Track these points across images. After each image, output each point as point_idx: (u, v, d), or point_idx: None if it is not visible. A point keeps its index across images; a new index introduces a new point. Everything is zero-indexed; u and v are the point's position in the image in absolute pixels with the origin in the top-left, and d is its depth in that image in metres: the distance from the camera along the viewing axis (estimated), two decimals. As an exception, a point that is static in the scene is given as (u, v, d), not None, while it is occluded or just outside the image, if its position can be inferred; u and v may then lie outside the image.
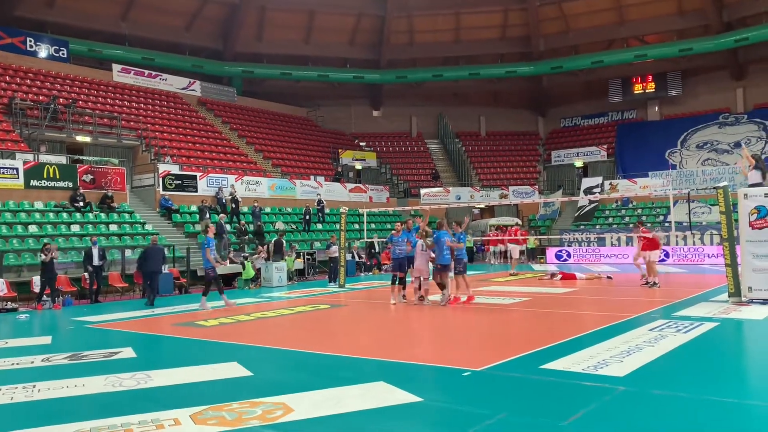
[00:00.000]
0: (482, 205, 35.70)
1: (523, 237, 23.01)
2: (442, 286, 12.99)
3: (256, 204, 25.39)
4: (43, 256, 15.03)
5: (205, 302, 13.74)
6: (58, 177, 20.90)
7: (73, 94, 27.77)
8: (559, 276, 18.81)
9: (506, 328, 10.34)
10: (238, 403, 5.76)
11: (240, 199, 25.29)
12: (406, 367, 7.32)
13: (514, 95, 44.36)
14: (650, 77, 39.66)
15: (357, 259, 24.58)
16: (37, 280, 16.24)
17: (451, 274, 13.11)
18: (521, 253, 24.65)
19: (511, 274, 21.36)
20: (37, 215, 19.58)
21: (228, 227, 22.96)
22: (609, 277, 18.50)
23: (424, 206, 27.20)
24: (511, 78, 42.13)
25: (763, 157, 18.09)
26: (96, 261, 16.39)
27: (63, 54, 30.77)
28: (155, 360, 8.33)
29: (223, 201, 25.06)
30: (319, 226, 27.94)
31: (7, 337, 10.74)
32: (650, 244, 15.96)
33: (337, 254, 19.61)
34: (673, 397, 5.65)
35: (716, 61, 37.46)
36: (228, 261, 20.83)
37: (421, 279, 13.33)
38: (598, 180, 35.07)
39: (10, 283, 15.88)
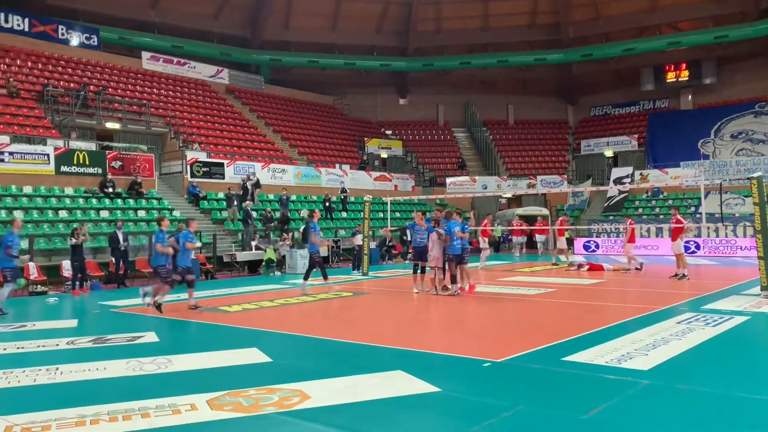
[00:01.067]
0: (509, 195, 35.35)
1: (563, 227, 22.23)
2: (453, 277, 12.91)
3: (284, 192, 25.47)
4: (74, 240, 15.25)
5: (306, 285, 14.08)
6: (87, 163, 21.20)
7: (103, 82, 28.12)
8: (586, 267, 18.53)
9: (529, 319, 10.19)
10: (255, 389, 5.76)
11: (249, 187, 24.92)
12: (425, 357, 7.25)
13: (543, 83, 43.72)
14: (684, 65, 38.71)
15: (388, 243, 24.45)
16: (66, 264, 16.54)
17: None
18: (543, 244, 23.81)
19: (568, 265, 20.00)
20: (67, 201, 19.91)
21: (254, 214, 23.09)
22: (638, 268, 18.16)
23: (449, 195, 27.01)
24: (540, 66, 41.54)
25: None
26: (121, 246, 16.59)
27: (93, 42, 31.14)
28: (177, 345, 8.39)
29: (248, 188, 25.17)
30: (343, 215, 27.95)
31: (35, 319, 10.95)
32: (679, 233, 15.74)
33: (361, 242, 19.61)
34: (698, 393, 5.51)
35: (753, 48, 36.39)
36: (254, 247, 21.01)
37: (436, 269, 13.15)
38: (629, 170, 34.43)
39: (40, 267, 16.17)
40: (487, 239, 21.47)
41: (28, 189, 19.55)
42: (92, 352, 7.72)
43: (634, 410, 5.07)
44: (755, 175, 12.40)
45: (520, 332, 8.92)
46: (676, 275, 15.50)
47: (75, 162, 20.89)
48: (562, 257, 20.93)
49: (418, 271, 13.56)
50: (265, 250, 20.09)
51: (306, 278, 14.31)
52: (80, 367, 6.82)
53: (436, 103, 43.27)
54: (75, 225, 17.27)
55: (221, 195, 24.40)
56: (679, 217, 16.40)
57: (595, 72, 42.17)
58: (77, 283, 15.35)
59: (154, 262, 11.98)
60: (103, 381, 6.31)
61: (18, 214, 17.93)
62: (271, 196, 25.99)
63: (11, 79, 24.27)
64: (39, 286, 15.34)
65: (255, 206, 23.91)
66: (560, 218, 26.07)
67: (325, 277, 14.55)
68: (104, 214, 20.00)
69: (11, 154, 19.44)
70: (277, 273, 19.97)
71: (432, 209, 20.01)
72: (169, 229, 18.44)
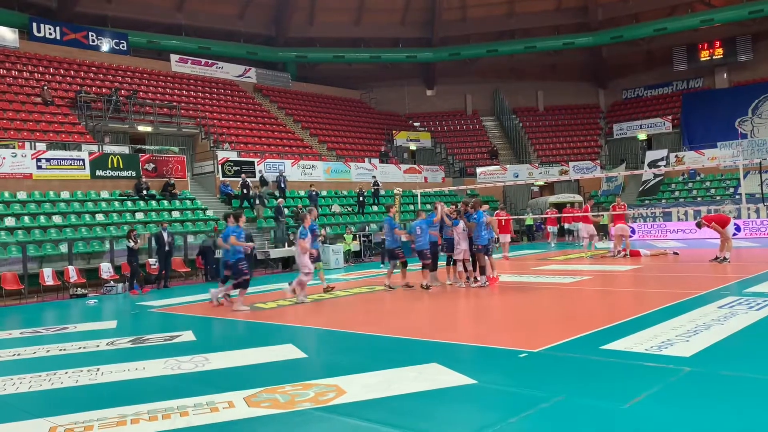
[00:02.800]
0: (541, 183, 34.97)
1: (585, 213, 21.77)
2: (482, 269, 12.78)
3: (311, 187, 25.59)
4: (131, 243, 15.55)
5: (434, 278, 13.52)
6: (121, 167, 21.59)
7: (133, 86, 28.60)
8: (623, 253, 18.22)
9: (565, 307, 10.04)
10: (291, 385, 5.77)
11: (269, 182, 25.22)
12: (461, 349, 7.19)
13: (572, 68, 43.02)
14: (718, 43, 37.73)
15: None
16: (105, 267, 16.91)
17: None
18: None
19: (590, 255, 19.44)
20: (103, 204, 20.31)
21: (286, 211, 23.25)
22: (675, 253, 17.82)
23: (480, 185, 26.78)
24: (568, 50, 40.89)
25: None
26: (166, 246, 16.86)
27: (123, 47, 31.68)
28: (214, 343, 8.48)
29: (282, 185, 25.38)
30: (374, 208, 27.96)
31: (76, 321, 11.19)
32: (720, 221, 15.36)
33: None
34: (743, 379, 5.33)
35: (790, 21, 35.28)
36: (287, 244, 21.16)
37: (465, 261, 12.95)
38: (663, 152, 33.74)
39: (79, 270, 16.54)
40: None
41: (65, 194, 19.99)
42: (131, 353, 7.86)
43: (677, 398, 4.94)
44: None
45: (556, 321, 8.79)
46: (716, 258, 15.15)
47: (109, 166, 21.28)
48: (598, 244, 20.64)
49: (451, 263, 13.48)
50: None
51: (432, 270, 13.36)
52: (120, 367, 6.94)
53: (464, 93, 42.95)
54: (128, 227, 17.49)
55: (262, 190, 24.62)
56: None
57: (625, 54, 41.35)
58: (131, 283, 15.73)
59: (232, 258, 11.59)
60: (142, 381, 6.40)
61: (57, 219, 18.39)
62: (302, 192, 26.13)
63: (45, 87, 24.81)
64: (79, 288, 15.67)
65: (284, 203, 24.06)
66: (584, 205, 25.57)
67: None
68: (139, 216, 20.35)
69: (48, 160, 19.90)
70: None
71: (461, 200, 19.86)
72: (204, 228, 18.79)
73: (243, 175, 24.28)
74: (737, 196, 26.39)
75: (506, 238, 20.77)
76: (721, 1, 36.99)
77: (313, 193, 25.28)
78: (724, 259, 14.91)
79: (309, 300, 12.00)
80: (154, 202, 21.48)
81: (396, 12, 39.79)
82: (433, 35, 40.31)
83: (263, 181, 25.08)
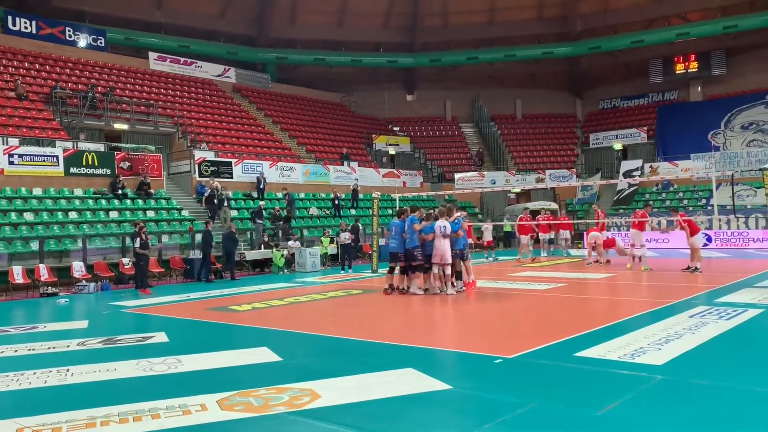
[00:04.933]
0: (518, 190, 35.25)
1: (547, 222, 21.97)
2: (458, 274, 12.81)
3: (284, 190, 25.33)
4: (139, 243, 15.19)
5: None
6: (96, 164, 21.26)
7: (110, 83, 28.21)
8: (602, 261, 18.47)
9: (540, 314, 10.12)
10: (265, 388, 5.73)
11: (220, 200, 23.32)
12: (437, 354, 7.21)
13: (551, 77, 43.47)
14: (693, 56, 38.39)
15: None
16: (77, 265, 16.63)
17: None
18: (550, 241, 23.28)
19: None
20: (77, 202, 19.97)
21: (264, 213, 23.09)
22: (608, 261, 18.46)
23: (458, 191, 26.91)
24: (547, 59, 41.30)
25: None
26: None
27: (101, 43, 31.25)
28: (187, 345, 8.37)
29: (261, 186, 25.22)
30: (353, 212, 27.91)
31: (46, 321, 10.98)
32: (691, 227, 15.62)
33: (348, 241, 19.80)
34: (714, 387, 5.42)
35: (762, 38, 35.96)
36: (263, 246, 21.03)
37: (443, 266, 12.57)
38: (638, 163, 34.21)
39: (50, 269, 16.24)
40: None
41: (37, 191, 19.64)
42: (103, 353, 7.73)
43: (650, 406, 5.00)
44: (767, 165, 12.24)
45: (531, 328, 8.85)
46: (688, 268, 15.39)
47: (84, 163, 20.96)
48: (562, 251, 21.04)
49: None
50: (273, 251, 20.13)
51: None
52: (91, 368, 6.82)
53: (444, 99, 43.14)
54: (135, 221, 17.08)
55: (227, 192, 24.34)
56: (682, 214, 16.42)
57: (603, 65, 41.89)
58: (143, 282, 15.49)
59: (409, 244, 12.52)
60: (113, 382, 6.30)
61: (28, 216, 18.06)
62: (280, 195, 25.99)
63: (20, 82, 24.37)
64: (50, 287, 15.39)
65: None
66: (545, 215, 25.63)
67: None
68: (114, 214, 20.06)
69: (20, 156, 19.53)
70: (286, 271, 20.00)
71: (437, 205, 19.98)
72: (179, 229, 18.59)
73: (216, 183, 23.46)
74: (709, 207, 26.88)
75: (525, 239, 21.04)
76: (697, 16, 37.69)
77: (288, 195, 25.02)
78: (696, 269, 15.15)
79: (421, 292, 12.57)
80: (128, 201, 21.20)
81: (378, 16, 39.86)
82: (414, 41, 40.45)
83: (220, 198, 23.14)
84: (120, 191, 21.10)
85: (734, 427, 4.51)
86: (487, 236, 23.30)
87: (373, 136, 37.76)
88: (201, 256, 17.90)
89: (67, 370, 6.71)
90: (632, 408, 4.94)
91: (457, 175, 35.27)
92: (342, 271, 19.32)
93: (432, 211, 13.30)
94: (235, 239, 18.78)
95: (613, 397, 5.17)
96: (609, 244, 18.93)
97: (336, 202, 26.83)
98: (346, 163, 31.42)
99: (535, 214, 23.67)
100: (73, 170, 20.66)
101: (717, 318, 8.64)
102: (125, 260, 17.60)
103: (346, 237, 20.02)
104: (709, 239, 25.08)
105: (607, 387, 5.55)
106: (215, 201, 22.19)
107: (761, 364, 6.32)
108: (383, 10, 39.49)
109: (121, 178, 21.36)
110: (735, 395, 5.20)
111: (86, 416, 5.04)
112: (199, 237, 20.30)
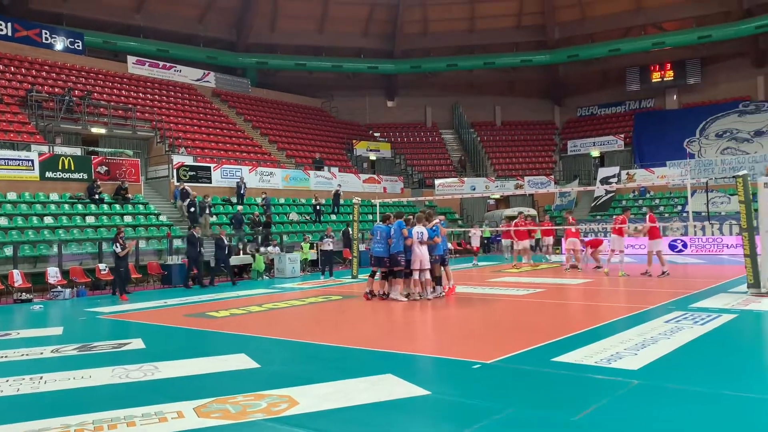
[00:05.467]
0: (497, 196, 35.48)
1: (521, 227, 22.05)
2: (438, 279, 12.86)
3: (264, 195, 25.21)
4: (118, 248, 14.85)
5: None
6: (73, 169, 21.00)
7: (88, 86, 27.91)
8: (578, 267, 18.64)
9: (518, 319, 10.18)
10: (243, 395, 5.69)
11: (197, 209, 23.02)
12: (415, 360, 7.22)
13: (529, 84, 43.89)
14: (669, 65, 39.02)
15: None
16: (52, 271, 16.39)
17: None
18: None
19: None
20: (53, 207, 19.70)
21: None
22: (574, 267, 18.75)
23: (438, 197, 27.01)
24: (526, 67, 41.73)
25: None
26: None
27: (78, 46, 30.91)
28: (164, 351, 8.28)
29: (242, 192, 25.09)
30: (333, 217, 27.88)
31: (19, 327, 10.79)
32: (653, 233, 16.09)
33: (330, 247, 19.65)
34: (689, 392, 5.50)
35: (736, 48, 36.76)
36: (242, 252, 20.90)
37: (422, 271, 12.57)
38: (615, 170, 34.64)
39: (25, 274, 15.98)
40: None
41: (12, 195, 19.33)
42: (77, 360, 7.61)
43: (625, 411, 5.05)
44: (740, 173, 12.46)
45: (509, 333, 8.90)
46: (646, 272, 15.97)
47: (60, 167, 20.68)
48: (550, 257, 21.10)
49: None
50: (254, 258, 19.99)
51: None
52: (65, 375, 6.71)
53: (424, 105, 43.33)
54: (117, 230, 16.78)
55: (209, 200, 24.19)
56: (652, 216, 16.77)
57: (581, 73, 42.40)
58: (120, 288, 15.17)
59: (394, 249, 12.54)
60: (88, 389, 6.21)
61: (2, 221, 17.77)
62: (259, 200, 25.88)
63: (-6, 85, 24.01)
64: (24, 293, 15.14)
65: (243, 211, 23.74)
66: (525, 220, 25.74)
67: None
68: (90, 219, 19.81)
69: (-5, 160, 19.23)
70: (266, 277, 19.90)
71: (417, 211, 19.98)
72: (157, 234, 18.41)
73: (191, 192, 23.08)
74: (685, 214, 27.25)
75: (525, 244, 20.95)
76: (673, 26, 38.32)
77: (265, 200, 24.87)
78: (663, 273, 15.55)
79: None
80: (105, 206, 20.95)
81: (359, 23, 39.95)
82: (394, 47, 40.59)
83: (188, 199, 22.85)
84: (97, 196, 20.85)
85: (706, 430, 4.57)
86: (475, 242, 23.40)
87: (354, 141, 37.78)
88: (190, 262, 17.73)
89: (41, 378, 6.60)
90: (608, 413, 4.99)
91: (437, 181, 35.43)
92: (322, 277, 19.27)
93: (411, 216, 13.34)
94: (224, 246, 18.61)
95: (590, 401, 5.22)
96: (596, 243, 19.16)
97: (317, 207, 26.77)
98: (326, 168, 31.38)
99: (510, 219, 23.77)
100: (48, 174, 20.37)
101: (692, 323, 8.77)
102: (102, 266, 17.37)
103: (329, 243, 19.90)
104: (685, 245, 25.46)
105: (584, 392, 5.60)
106: (193, 209, 21.83)
107: (733, 368, 6.42)
108: (364, 17, 39.59)
109: (98, 183, 21.11)
110: (708, 399, 5.27)
111: (60, 424, 4.97)
112: (177, 242, 20.17)
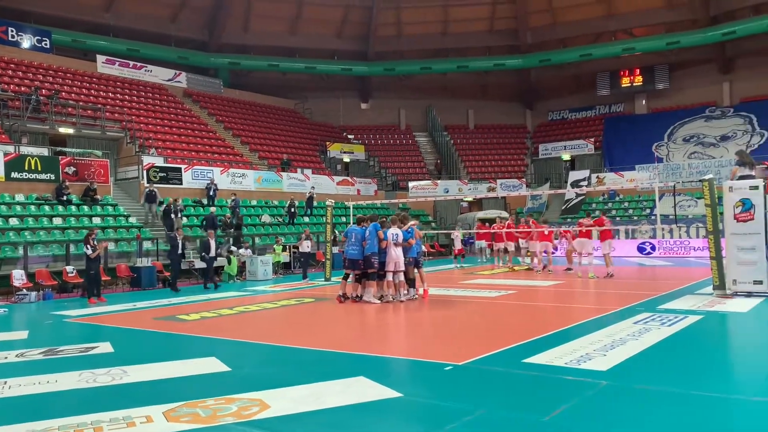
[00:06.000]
0: (470, 198, 35.71)
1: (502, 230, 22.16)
2: (411, 281, 12.90)
3: (233, 196, 24.84)
4: (89, 250, 14.42)
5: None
6: (39, 169, 20.58)
7: (56, 85, 27.41)
8: (548, 269, 18.81)
9: (490, 321, 10.26)
10: (213, 399, 5.63)
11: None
12: (388, 362, 7.22)
13: (502, 88, 44.27)
14: (638, 71, 39.68)
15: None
16: (17, 274, 16.03)
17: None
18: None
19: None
20: (18, 208, 19.28)
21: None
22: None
23: (412, 199, 27.07)
24: (499, 71, 42.09)
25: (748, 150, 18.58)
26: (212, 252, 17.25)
27: (46, 44, 30.33)
28: (133, 355, 8.15)
29: (211, 194, 24.81)
30: (306, 219, 27.76)
31: (-17, 331, 10.54)
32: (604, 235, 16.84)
33: (308, 249, 19.47)
34: (656, 392, 5.58)
35: (703, 54, 37.55)
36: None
37: (396, 273, 12.56)
38: (585, 173, 35.11)
39: (-11, 277, 15.62)
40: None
41: (-24, 196, 18.89)
42: (43, 365, 7.46)
43: (594, 411, 5.12)
44: (707, 177, 12.73)
45: (481, 335, 8.96)
46: (608, 275, 16.36)
47: (26, 168, 20.25)
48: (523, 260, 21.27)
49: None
50: (229, 261, 19.78)
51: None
52: (30, 380, 6.56)
53: (398, 108, 43.41)
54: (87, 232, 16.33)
55: (180, 202, 23.84)
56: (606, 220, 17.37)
57: (552, 77, 42.91)
58: (94, 291, 14.75)
59: (368, 251, 12.43)
60: (54, 394, 6.09)
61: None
62: (229, 201, 25.59)
63: (-42, 83, 23.43)
64: (-12, 296, 14.79)
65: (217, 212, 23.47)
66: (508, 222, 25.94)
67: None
68: (57, 221, 19.43)
69: (-42, 160, 18.76)
70: (237, 280, 19.72)
71: (392, 213, 20.00)
72: (126, 236, 18.15)
73: (158, 196, 22.91)
74: (653, 217, 27.74)
75: (510, 246, 21.04)
76: (642, 32, 39.03)
77: (234, 202, 24.46)
78: (610, 275, 16.16)
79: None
80: (74, 207, 20.57)
81: (332, 24, 39.89)
82: (368, 49, 40.60)
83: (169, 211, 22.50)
84: (65, 197, 20.47)
85: (673, 430, 4.65)
86: (457, 244, 23.48)
87: (328, 143, 37.68)
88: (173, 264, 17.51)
89: (5, 383, 6.45)
90: (578, 413, 5.05)
91: (411, 184, 35.50)
92: (304, 279, 18.84)
93: (385, 219, 13.35)
94: (176, 244, 17.71)
95: (560, 402, 5.28)
96: (586, 235, 19.02)
97: (291, 209, 26.59)
98: (300, 170, 31.24)
99: (486, 222, 23.95)
100: (14, 175, 19.93)
101: (659, 324, 8.92)
102: (69, 268, 17.06)
103: (307, 245, 19.61)
104: (653, 248, 25.90)
105: (554, 393, 5.65)
106: (171, 214, 21.43)
107: (699, 369, 6.55)
108: (338, 19, 39.55)
109: (66, 184, 20.72)
110: (675, 399, 5.36)
111: (25, 430, 4.86)
112: (147, 245, 19.90)
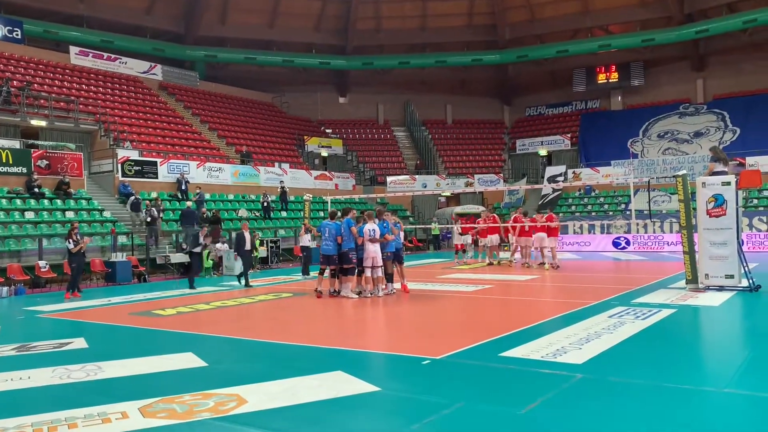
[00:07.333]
0: (448, 193, 35.83)
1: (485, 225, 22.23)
2: (389, 276, 12.92)
3: (198, 190, 24.48)
4: (71, 245, 14.09)
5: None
6: (11, 162, 20.20)
7: (27, 77, 26.88)
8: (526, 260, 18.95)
9: (467, 315, 10.32)
10: (190, 394, 5.59)
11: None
12: (365, 356, 7.24)
13: (480, 84, 44.44)
14: (614, 67, 40.11)
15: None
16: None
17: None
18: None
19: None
20: (-11, 201, 18.92)
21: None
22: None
23: (390, 194, 27.08)
24: (477, 66, 42.22)
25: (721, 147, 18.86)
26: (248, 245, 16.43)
27: (17, 35, 29.72)
28: (108, 351, 8.05)
29: (183, 187, 24.52)
30: (283, 214, 27.63)
31: (-47, 327, 10.33)
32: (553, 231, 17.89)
33: (309, 243, 18.99)
34: (630, 384, 5.67)
35: (677, 51, 38.08)
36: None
37: (374, 268, 12.51)
38: (562, 168, 35.45)
39: (-41, 272, 15.30)
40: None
41: (-55, 189, 18.49)
42: (15, 361, 7.34)
43: (570, 404, 5.18)
44: (680, 173, 12.93)
45: (459, 329, 9.02)
46: (552, 268, 17.20)
47: (-3, 161, 19.87)
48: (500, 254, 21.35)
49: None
50: (206, 255, 19.58)
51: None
52: (2, 377, 6.46)
53: (377, 102, 43.35)
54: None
55: (154, 194, 23.59)
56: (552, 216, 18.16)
57: (530, 73, 43.18)
58: (74, 286, 14.39)
59: (345, 246, 12.41)
60: (27, 391, 6.00)
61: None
62: (207, 196, 25.38)
63: (-75, 73, 22.87)
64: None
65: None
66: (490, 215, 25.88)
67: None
68: (30, 215, 19.10)
69: (-74, 152, 18.33)
70: (214, 275, 19.58)
71: (371, 207, 19.96)
72: (100, 230, 17.88)
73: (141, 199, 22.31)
74: (628, 212, 28.11)
75: (493, 240, 20.78)
76: (618, 29, 39.43)
77: (200, 196, 24.09)
78: (556, 266, 17.19)
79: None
80: (46, 201, 20.23)
81: (310, 18, 39.65)
82: (347, 43, 40.45)
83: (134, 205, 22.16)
84: (36, 190, 20.10)
85: (647, 421, 4.73)
86: (457, 239, 23.34)
87: (305, 137, 37.52)
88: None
89: (-24, 380, 6.34)
90: (554, 406, 5.11)
91: (389, 178, 35.50)
92: (305, 275, 18.15)
93: (362, 213, 13.32)
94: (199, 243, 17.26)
95: (536, 395, 5.33)
96: (542, 230, 19.04)
97: (265, 204, 26.41)
98: (277, 164, 31.03)
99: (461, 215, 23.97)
100: (-16, 168, 19.56)
101: (634, 318, 9.05)
102: (42, 263, 16.78)
103: (308, 238, 19.28)
104: (628, 242, 26.25)
105: (531, 386, 5.71)
106: (150, 219, 20.96)
107: (672, 361, 6.67)
108: (316, 12, 39.32)
109: (37, 177, 20.35)
110: (648, 392, 5.45)
111: (-4, 428, 4.79)
112: (122, 239, 19.66)
